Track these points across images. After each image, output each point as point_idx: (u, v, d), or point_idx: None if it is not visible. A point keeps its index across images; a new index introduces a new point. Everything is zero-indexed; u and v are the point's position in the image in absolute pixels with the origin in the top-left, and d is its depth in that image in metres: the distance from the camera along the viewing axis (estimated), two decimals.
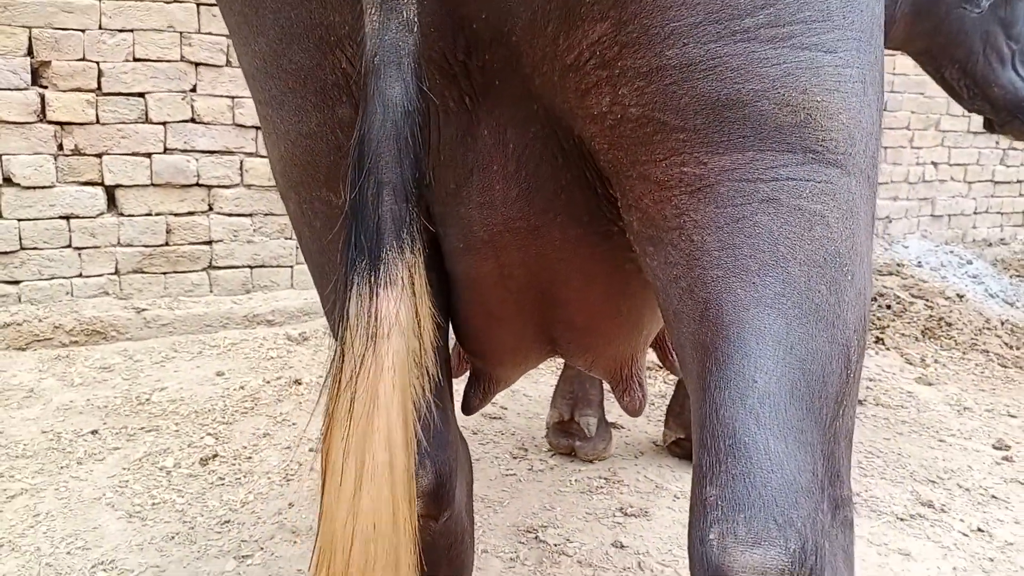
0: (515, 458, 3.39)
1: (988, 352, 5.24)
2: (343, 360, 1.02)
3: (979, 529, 3.04)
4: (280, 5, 1.14)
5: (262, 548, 2.63)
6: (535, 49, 1.06)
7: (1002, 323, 5.57)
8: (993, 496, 3.33)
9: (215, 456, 3.24)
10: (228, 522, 2.78)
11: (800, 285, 0.98)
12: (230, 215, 4.79)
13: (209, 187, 4.73)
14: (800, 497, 0.91)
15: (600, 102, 1.04)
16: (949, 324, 5.53)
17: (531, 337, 1.50)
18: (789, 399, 0.95)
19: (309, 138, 1.24)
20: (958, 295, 6.00)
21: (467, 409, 1.79)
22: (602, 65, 1.01)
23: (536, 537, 2.76)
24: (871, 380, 4.52)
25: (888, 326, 5.40)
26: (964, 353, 5.20)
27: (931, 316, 5.57)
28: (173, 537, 2.67)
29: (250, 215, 4.83)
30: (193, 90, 4.62)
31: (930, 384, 4.63)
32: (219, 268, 4.83)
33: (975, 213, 7.76)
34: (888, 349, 5.12)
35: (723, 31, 0.97)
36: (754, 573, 0.90)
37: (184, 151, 4.65)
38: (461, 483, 1.54)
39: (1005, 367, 4.98)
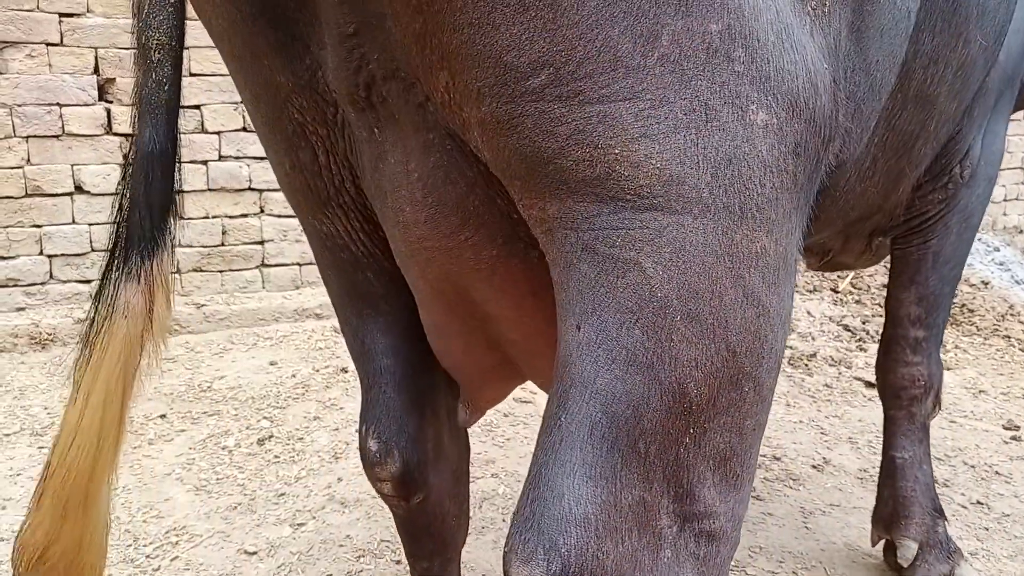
0: None
1: (1010, 337, 5.31)
2: (94, 325, 1.33)
3: (978, 502, 3.20)
4: (247, 67, 1.30)
5: (314, 517, 2.92)
6: (421, 86, 1.13)
7: None
8: (997, 472, 3.47)
9: (271, 437, 3.54)
10: (284, 494, 3.08)
11: (612, 332, 1.01)
12: (280, 216, 5.06)
13: (260, 191, 5.00)
14: (572, 527, 1.00)
15: (473, 139, 1.09)
16: (971, 311, 5.61)
17: (484, 352, 1.53)
18: (587, 438, 1.01)
19: (287, 176, 1.40)
20: (983, 282, 6.02)
21: (460, 423, 1.87)
22: (456, 108, 1.06)
23: None
24: None
25: None
26: (986, 339, 5.27)
27: (954, 303, 5.63)
28: (235, 507, 2.97)
29: None
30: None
31: (949, 368, 4.72)
32: (270, 266, 5.10)
33: (1004, 200, 7.76)
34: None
35: (514, 92, 0.98)
36: None
37: (237, 158, 4.92)
38: (441, 473, 1.72)
39: None
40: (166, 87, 1.27)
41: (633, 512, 1.03)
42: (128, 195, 1.31)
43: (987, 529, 3.01)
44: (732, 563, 2.62)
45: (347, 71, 1.18)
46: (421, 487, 1.66)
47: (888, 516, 2.58)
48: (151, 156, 1.29)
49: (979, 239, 7.30)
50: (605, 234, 1.00)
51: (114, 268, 1.32)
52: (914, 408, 2.55)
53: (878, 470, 3.36)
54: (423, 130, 1.18)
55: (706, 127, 0.99)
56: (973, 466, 3.54)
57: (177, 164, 1.34)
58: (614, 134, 0.98)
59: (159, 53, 1.26)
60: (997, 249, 6.91)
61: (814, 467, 3.44)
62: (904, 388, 2.52)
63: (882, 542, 2.69)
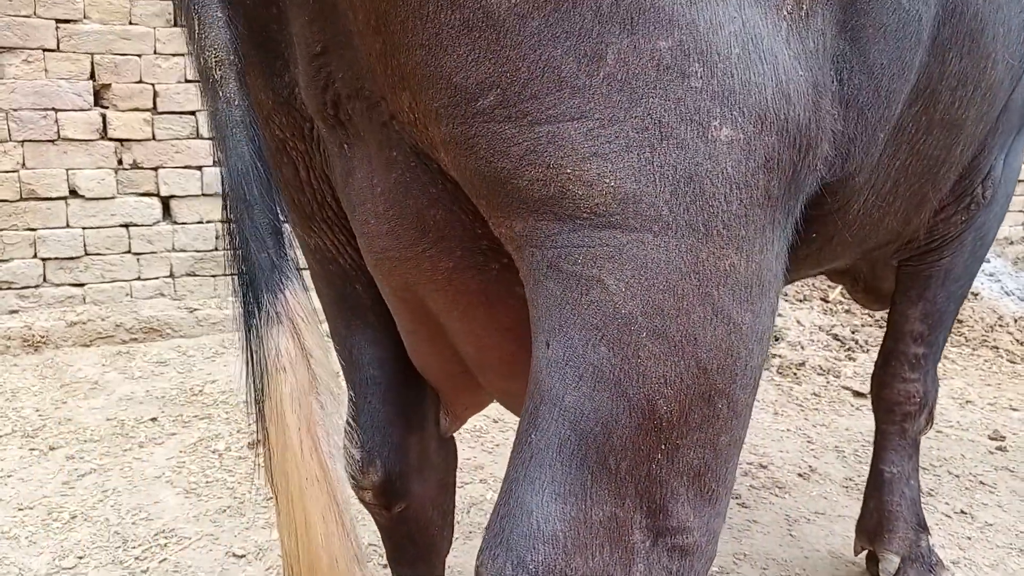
0: None
1: (998, 348, 5.34)
2: (257, 394, 1.15)
3: (962, 511, 3.23)
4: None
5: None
6: (386, 101, 1.14)
7: (1015, 320, 5.58)
8: (981, 482, 3.50)
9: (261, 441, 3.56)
10: (273, 498, 3.09)
11: (579, 349, 1.01)
12: None
13: None
14: (539, 544, 1.01)
15: (439, 159, 1.11)
16: (960, 321, 5.62)
17: (450, 359, 1.53)
18: (556, 456, 1.02)
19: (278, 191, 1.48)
20: (973, 293, 6.01)
21: (442, 431, 1.88)
22: (420, 126, 1.08)
23: None
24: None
25: None
26: (974, 349, 5.30)
27: None
28: (225, 510, 2.98)
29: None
30: None
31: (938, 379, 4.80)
32: None
33: None
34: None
35: (466, 113, 0.99)
36: None
37: None
38: (425, 483, 1.72)
39: (1013, 363, 5.07)
40: (236, 104, 1.18)
41: (604, 528, 1.03)
42: (236, 231, 1.15)
43: (970, 538, 3.04)
44: (717, 570, 2.65)
45: (315, 89, 1.21)
46: (403, 496, 1.68)
47: (872, 528, 2.60)
48: (244, 179, 1.16)
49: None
50: (567, 251, 1.01)
51: (251, 318, 1.14)
52: (907, 424, 2.56)
53: (864, 479, 3.40)
54: (386, 148, 1.20)
55: (661, 145, 0.98)
56: (958, 476, 3.57)
57: (271, 180, 1.21)
58: (564, 154, 0.97)
59: (221, 70, 1.20)
60: (987, 260, 6.93)
61: (800, 475, 3.47)
62: (899, 404, 2.52)
63: (865, 552, 2.72)
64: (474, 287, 1.29)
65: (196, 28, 1.18)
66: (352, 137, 1.24)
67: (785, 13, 1.05)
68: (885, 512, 2.57)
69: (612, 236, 0.99)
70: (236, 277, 1.17)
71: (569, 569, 1.01)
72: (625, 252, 0.99)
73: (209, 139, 4.76)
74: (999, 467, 3.68)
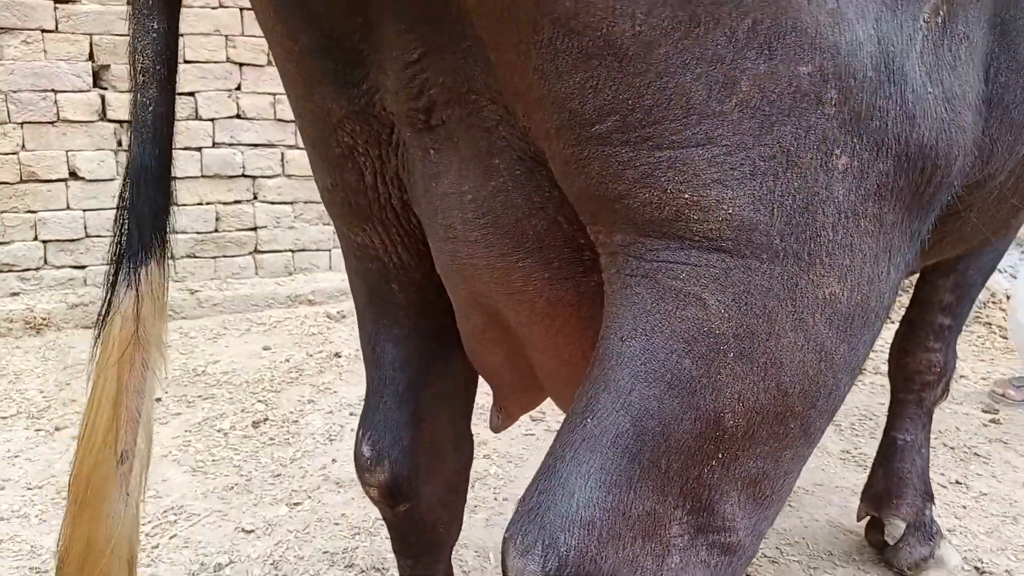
0: (535, 421, 3.72)
1: (991, 324, 5.41)
2: (100, 323, 1.44)
3: (957, 482, 3.30)
4: (299, 94, 1.36)
5: (310, 496, 2.98)
6: (498, 106, 1.14)
7: (1007, 297, 5.67)
8: (976, 454, 3.58)
9: (266, 420, 3.60)
10: (279, 475, 3.14)
11: (660, 354, 1.01)
12: (273, 203, 5.10)
13: (254, 178, 5.03)
14: (576, 528, 1.01)
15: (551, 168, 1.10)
16: None
17: (518, 366, 1.54)
18: (610, 445, 1.02)
19: (329, 192, 1.46)
20: None
21: (492, 428, 1.91)
22: (542, 139, 1.07)
23: None
24: (873, 351, 4.76)
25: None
26: (967, 325, 5.35)
27: None
28: (232, 487, 3.03)
29: (291, 203, 5.14)
30: (238, 88, 4.92)
31: None
32: (264, 252, 5.15)
33: None
34: (893, 323, 5.33)
35: (579, 136, 0.98)
36: (516, 574, 1.04)
37: (231, 145, 4.95)
38: (433, 484, 1.72)
39: (1006, 338, 5.11)
40: (150, 107, 1.35)
41: (641, 521, 1.03)
42: (124, 207, 1.40)
43: (965, 507, 3.11)
44: None
45: (408, 95, 1.20)
46: (409, 498, 1.70)
47: (879, 494, 2.64)
48: (140, 171, 1.38)
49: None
50: (669, 266, 1.00)
51: (116, 272, 1.42)
52: (925, 393, 2.61)
53: (860, 452, 3.46)
54: (486, 155, 1.18)
55: (785, 174, 0.96)
56: (953, 448, 3.65)
57: (167, 180, 1.42)
58: (685, 179, 0.95)
59: (143, 76, 1.35)
60: None
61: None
62: (919, 373, 2.57)
63: (866, 520, 2.77)
64: (568, 299, 1.27)
65: (132, 33, 1.34)
66: (442, 142, 1.22)
67: (921, 23, 1.00)
68: (895, 479, 2.62)
69: (720, 259, 0.98)
70: (113, 241, 1.43)
71: (600, 557, 1.01)
72: (730, 276, 0.98)
73: (206, 120, 4.77)
74: (992, 439, 3.75)
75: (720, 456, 1.03)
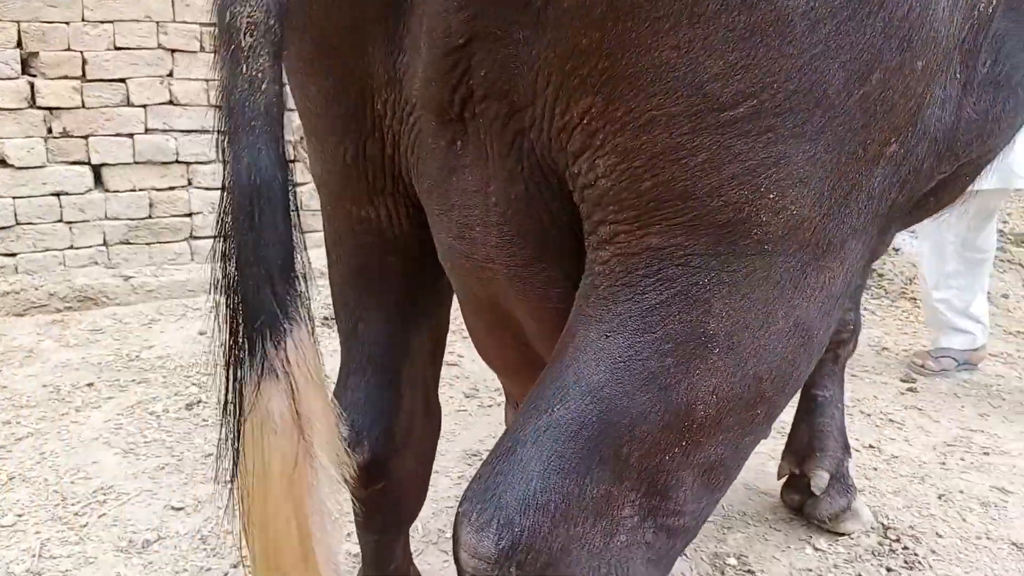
0: (467, 397, 3.78)
1: (915, 300, 5.55)
2: (236, 456, 1.01)
3: (870, 446, 3.42)
4: (342, 52, 1.20)
5: None
6: (535, 107, 1.04)
7: None
8: (891, 420, 3.70)
9: (199, 402, 3.62)
10: (211, 455, 3.13)
11: (643, 353, 0.99)
12: (208, 189, 5.07)
13: (188, 164, 5.00)
14: (531, 511, 1.01)
15: (581, 166, 1.02)
16: (881, 275, 5.84)
17: (528, 362, 1.48)
18: (573, 435, 1.01)
19: (343, 164, 1.34)
20: (894, 248, 6.23)
21: (508, 423, 1.93)
22: (589, 134, 0.98)
23: (480, 459, 3.14)
24: None
25: None
26: (893, 301, 5.52)
27: None
28: (163, 468, 3.04)
29: None
30: (170, 75, 4.89)
31: None
32: (199, 238, 5.12)
33: None
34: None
35: (699, 123, 0.90)
36: (470, 551, 1.04)
37: (164, 131, 4.92)
38: (405, 460, 1.65)
39: None
40: (263, 88, 0.94)
41: (596, 504, 1.04)
42: (234, 254, 0.96)
43: (876, 469, 3.23)
44: None
45: (445, 84, 1.09)
46: (384, 477, 1.63)
47: (803, 449, 2.76)
48: (255, 191, 0.95)
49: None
50: (696, 274, 0.96)
51: (241, 366, 0.98)
52: (840, 350, 2.75)
53: (779, 419, 3.57)
54: (512, 159, 1.09)
55: (850, 168, 0.93)
56: (869, 415, 3.77)
57: (292, 196, 0.99)
58: (780, 178, 0.91)
59: (253, 36, 0.94)
60: None
61: None
62: (836, 332, 2.67)
63: (783, 481, 2.89)
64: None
65: None
66: (471, 136, 1.12)
67: (977, 12, 0.99)
68: (817, 432, 2.75)
69: (750, 262, 0.95)
70: (226, 314, 0.98)
71: (551, 536, 1.03)
72: (751, 277, 0.96)
73: (137, 107, 4.73)
74: (908, 406, 3.87)
75: (683, 444, 1.04)
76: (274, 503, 0.99)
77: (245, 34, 0.93)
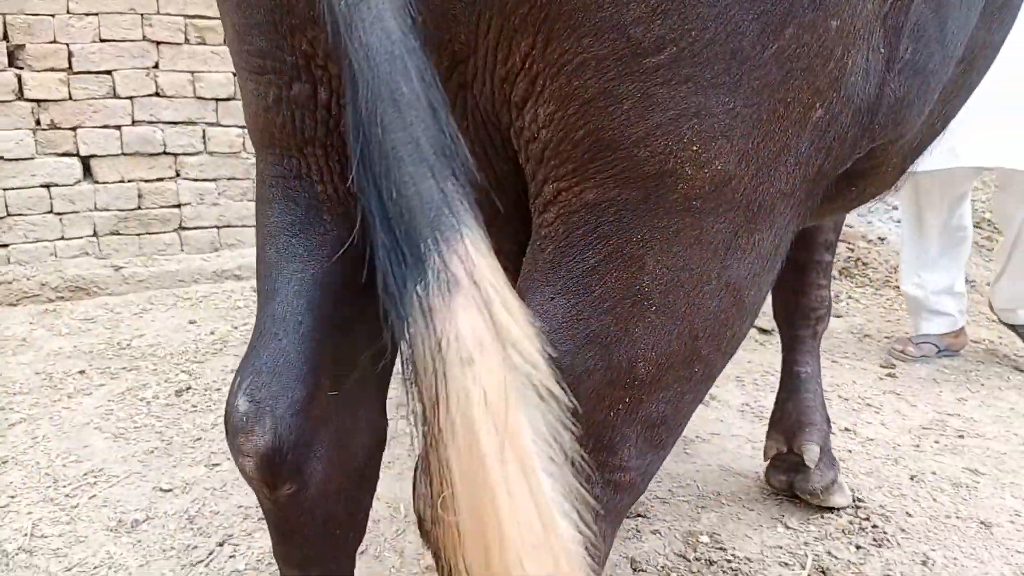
0: None
1: (899, 288, 5.67)
2: (426, 410, 0.81)
3: (846, 429, 3.49)
4: None
5: (229, 457, 3.03)
6: (476, 56, 1.03)
7: None
8: (868, 404, 3.77)
9: (189, 388, 3.67)
10: (200, 439, 3.22)
11: (584, 313, 1.02)
12: (196, 180, 5.11)
13: (175, 155, 5.04)
14: None
15: (524, 118, 1.02)
16: (866, 264, 5.90)
17: None
18: None
19: (267, 109, 1.22)
20: (879, 238, 6.29)
21: None
22: (531, 80, 0.98)
23: None
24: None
25: None
26: (877, 289, 5.57)
27: (849, 257, 5.94)
28: (152, 451, 3.11)
29: (214, 180, 5.16)
30: (156, 67, 4.92)
31: (839, 316, 5.02)
32: (188, 229, 5.16)
33: None
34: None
35: (624, 69, 0.92)
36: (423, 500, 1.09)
37: (151, 123, 4.96)
38: (331, 465, 1.34)
39: None
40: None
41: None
42: (378, 153, 0.85)
43: (850, 451, 3.29)
44: None
45: None
46: (293, 476, 1.29)
47: (792, 425, 2.82)
48: (396, 64, 0.87)
49: (880, 198, 7.63)
50: (629, 230, 0.98)
51: (406, 283, 0.82)
52: (818, 327, 2.84)
53: (759, 406, 3.64)
54: (457, 114, 1.04)
55: (773, 127, 0.96)
56: (847, 399, 3.83)
57: (446, 102, 0.90)
58: (701, 129, 0.93)
59: None
60: (895, 207, 7.25)
61: (701, 403, 3.70)
62: (814, 308, 2.79)
63: (764, 464, 2.95)
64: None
65: None
66: None
67: None
68: (804, 407, 2.82)
69: (680, 219, 0.98)
70: (374, 223, 0.84)
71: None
72: (681, 235, 0.99)
73: (124, 99, 4.77)
74: (887, 391, 3.94)
75: (627, 401, 1.07)
76: (486, 454, 0.77)
77: None
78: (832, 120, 1.02)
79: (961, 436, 3.47)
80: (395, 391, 3.49)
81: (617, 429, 1.10)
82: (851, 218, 6.83)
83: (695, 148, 0.94)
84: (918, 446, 3.36)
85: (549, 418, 0.83)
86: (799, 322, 2.83)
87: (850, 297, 5.45)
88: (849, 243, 6.19)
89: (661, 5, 0.89)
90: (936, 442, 3.41)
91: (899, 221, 7.06)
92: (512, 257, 1.19)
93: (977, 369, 4.27)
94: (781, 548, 2.61)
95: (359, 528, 1.52)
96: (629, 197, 0.98)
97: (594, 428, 1.08)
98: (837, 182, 1.22)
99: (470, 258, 0.80)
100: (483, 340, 0.78)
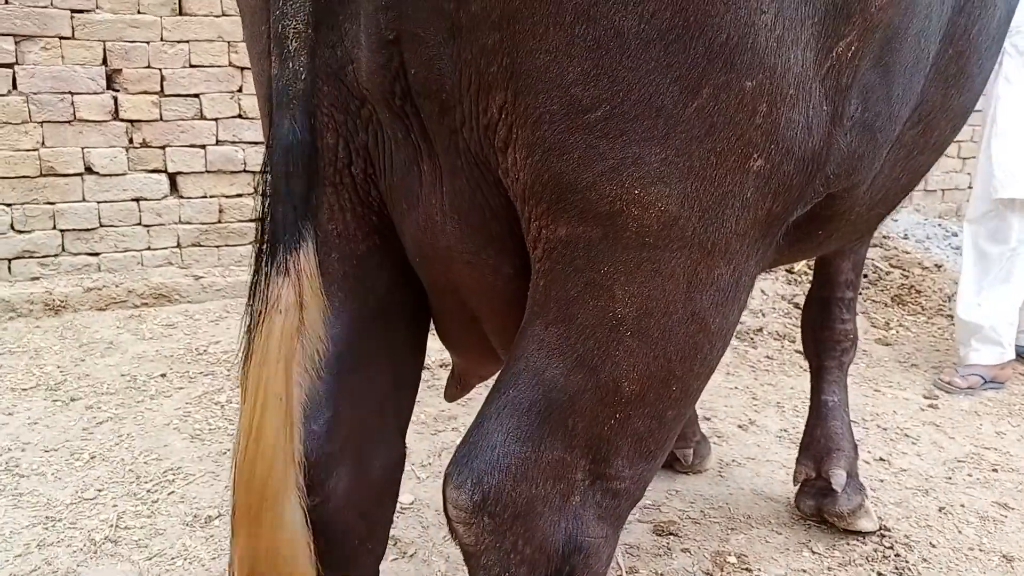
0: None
1: (952, 318, 5.57)
2: (251, 323, 1.29)
3: (881, 459, 3.53)
4: (264, 54, 1.34)
5: None
6: (463, 105, 1.17)
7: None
8: (906, 435, 3.79)
9: None
10: None
11: (572, 339, 1.18)
12: None
13: (254, 173, 5.27)
14: (496, 472, 1.22)
15: (507, 162, 1.16)
16: (919, 291, 5.76)
17: (483, 344, 1.59)
18: (526, 410, 1.22)
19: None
20: (936, 265, 6.08)
21: (447, 398, 2.12)
22: (508, 128, 1.13)
23: None
24: None
25: (861, 293, 5.56)
26: (929, 318, 5.48)
27: (903, 284, 5.84)
28: (225, 453, 3.34)
29: None
30: (239, 90, 5.21)
31: (888, 344, 5.01)
32: None
33: (968, 188, 8.03)
34: (857, 314, 5.53)
35: (572, 123, 1.06)
36: (452, 503, 1.27)
37: (233, 143, 5.25)
38: (349, 483, 1.46)
39: None
40: (303, 77, 1.24)
41: (551, 467, 1.24)
42: (270, 190, 1.28)
43: (882, 481, 3.35)
44: (650, 503, 3.03)
45: (384, 77, 1.23)
46: (318, 490, 1.42)
47: (820, 451, 2.94)
48: (290, 149, 1.25)
49: (939, 224, 7.43)
50: (597, 262, 1.14)
51: (264, 264, 1.29)
52: (844, 358, 2.99)
53: (798, 432, 3.69)
54: (452, 153, 1.24)
55: (711, 173, 1.09)
56: (885, 429, 3.85)
57: (317, 155, 1.30)
58: (640, 176, 1.07)
59: (296, 41, 1.22)
60: (955, 235, 7.11)
61: (739, 427, 3.81)
62: (838, 342, 2.95)
63: (794, 489, 3.05)
64: (522, 297, 1.31)
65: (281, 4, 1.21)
66: (420, 130, 1.27)
67: (835, 55, 1.14)
68: (832, 435, 2.95)
69: (639, 253, 1.12)
70: (260, 230, 1.30)
71: (516, 493, 1.23)
72: (642, 267, 1.13)
73: (210, 120, 5.10)
74: (927, 422, 3.93)
75: (617, 416, 1.23)
76: (271, 361, 1.27)
77: (291, 40, 1.22)
78: (774, 169, 1.13)
79: (995, 470, 3.49)
80: (443, 408, 3.70)
81: (611, 442, 1.25)
82: (908, 244, 6.74)
83: (637, 192, 1.08)
84: (950, 478, 3.41)
85: (307, 350, 1.30)
86: (825, 354, 2.98)
87: (900, 325, 5.37)
88: (905, 270, 6.07)
89: (593, 70, 1.04)
90: (969, 475, 3.44)
91: (958, 248, 6.98)
92: (511, 277, 1.35)
93: (1020, 402, 4.25)
94: (805, 572, 2.72)
95: (376, 547, 1.62)
96: (593, 234, 1.13)
97: (591, 442, 1.25)
98: (800, 226, 1.36)
99: (300, 259, 1.27)
100: (290, 304, 1.26)
